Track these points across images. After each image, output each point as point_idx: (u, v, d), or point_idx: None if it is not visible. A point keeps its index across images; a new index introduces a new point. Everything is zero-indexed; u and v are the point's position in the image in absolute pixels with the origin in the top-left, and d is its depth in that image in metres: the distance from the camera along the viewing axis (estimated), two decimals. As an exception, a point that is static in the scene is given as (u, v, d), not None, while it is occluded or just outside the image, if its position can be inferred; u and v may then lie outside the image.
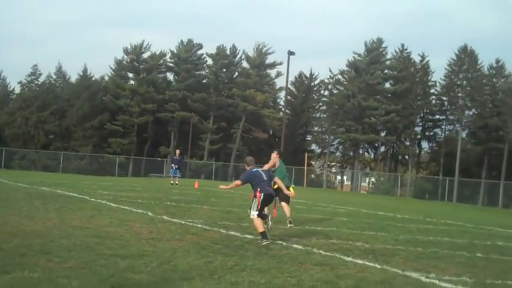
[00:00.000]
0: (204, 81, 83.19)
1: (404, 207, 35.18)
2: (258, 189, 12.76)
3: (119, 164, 66.77)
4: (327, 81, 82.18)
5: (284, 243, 12.52)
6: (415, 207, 36.92)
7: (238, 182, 13.46)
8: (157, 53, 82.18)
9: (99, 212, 16.26)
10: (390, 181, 66.49)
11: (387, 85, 78.28)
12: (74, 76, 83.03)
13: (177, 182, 35.54)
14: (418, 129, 79.15)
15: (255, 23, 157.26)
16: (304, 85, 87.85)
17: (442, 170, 73.54)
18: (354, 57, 78.59)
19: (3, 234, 11.24)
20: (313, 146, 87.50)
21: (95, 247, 10.40)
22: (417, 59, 78.51)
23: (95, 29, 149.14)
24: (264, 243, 12.09)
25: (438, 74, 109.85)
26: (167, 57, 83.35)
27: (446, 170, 72.07)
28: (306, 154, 69.20)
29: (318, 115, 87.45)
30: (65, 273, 8.09)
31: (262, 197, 12.67)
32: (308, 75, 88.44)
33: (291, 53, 56.16)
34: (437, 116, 79.19)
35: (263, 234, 12.34)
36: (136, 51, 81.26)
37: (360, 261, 10.81)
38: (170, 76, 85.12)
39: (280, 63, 78.85)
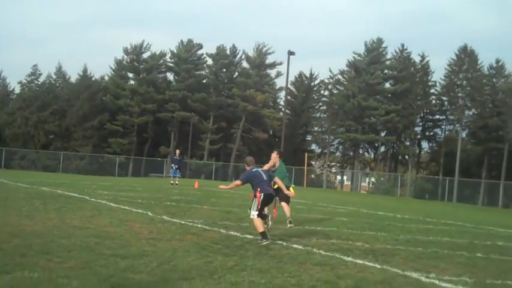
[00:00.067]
0: (204, 81, 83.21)
1: (404, 207, 35.18)
2: (258, 189, 12.76)
3: (119, 164, 66.78)
4: (327, 81, 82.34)
5: (284, 243, 12.52)
6: (415, 207, 36.93)
7: (238, 182, 13.45)
8: (157, 53, 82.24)
9: (99, 212, 16.26)
10: (390, 181, 66.50)
11: (387, 85, 78.31)
12: (74, 76, 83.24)
13: (177, 182, 35.54)
14: (418, 129, 79.25)
15: (255, 23, 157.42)
16: (304, 85, 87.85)
17: (442, 170, 73.56)
18: (354, 57, 78.72)
19: (3, 234, 11.24)
20: (313, 146, 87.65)
21: (95, 247, 10.39)
22: (417, 59, 78.72)
23: (95, 29, 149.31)
24: (264, 243, 12.08)
25: (438, 74, 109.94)
26: (167, 57, 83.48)
27: (446, 170, 72.09)
28: (306, 154, 69.21)
29: (318, 115, 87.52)
30: (65, 273, 8.08)
31: (262, 197, 12.67)
32: (308, 75, 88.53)
33: (291, 53, 56.16)
34: (437, 116, 79.23)
35: (263, 234, 12.34)
36: (136, 51, 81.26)
37: (360, 261, 10.81)
38: (170, 76, 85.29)
39: (280, 63, 78.98)
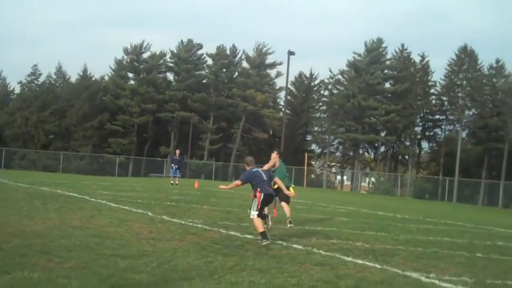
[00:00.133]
0: (204, 81, 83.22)
1: (404, 207, 35.19)
2: (258, 189, 12.77)
3: (119, 164, 66.78)
4: (327, 81, 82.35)
5: (284, 243, 12.52)
6: (415, 207, 36.94)
7: (238, 182, 13.47)
8: (157, 53, 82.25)
9: (99, 212, 16.26)
10: (390, 181, 66.51)
11: (387, 85, 78.31)
12: (74, 76, 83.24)
13: (177, 182, 35.54)
14: (418, 129, 79.24)
15: (255, 23, 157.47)
16: (304, 85, 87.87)
17: (442, 170, 73.57)
18: (354, 57, 78.73)
19: (3, 234, 11.24)
20: (313, 146, 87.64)
21: (95, 247, 10.40)
22: (417, 59, 78.75)
23: (95, 29, 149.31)
24: (264, 243, 12.08)
25: (438, 74, 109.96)
26: (167, 57, 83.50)
27: (446, 170, 72.09)
28: (306, 154, 69.22)
29: (318, 115, 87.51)
30: (65, 273, 8.09)
31: (262, 197, 12.68)
32: (308, 75, 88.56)
33: (291, 53, 56.17)
34: (437, 116, 79.23)
35: (263, 234, 12.34)
36: (136, 51, 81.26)
37: (360, 261, 10.82)
38: (170, 76, 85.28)
39: (280, 63, 79.00)
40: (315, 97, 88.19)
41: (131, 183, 35.64)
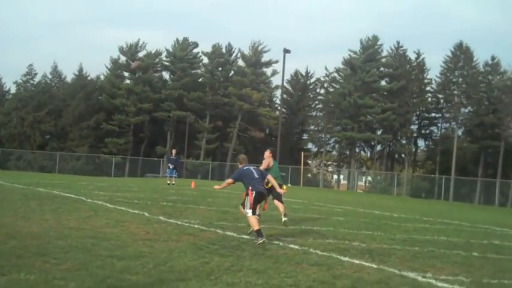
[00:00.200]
0: (200, 80, 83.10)
1: (401, 206, 35.24)
2: (250, 188, 12.82)
3: (115, 164, 66.73)
4: (322, 79, 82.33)
5: (281, 244, 12.52)
6: (411, 206, 36.98)
7: (229, 180, 13.57)
8: (153, 51, 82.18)
9: (95, 213, 16.23)
10: (387, 180, 66.59)
11: (383, 83, 78.30)
12: (69, 76, 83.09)
13: (173, 182, 35.50)
14: (414, 127, 79.25)
15: (250, 21, 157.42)
16: (300, 83, 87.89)
17: (438, 169, 73.62)
18: (349, 54, 78.66)
19: (-1, 235, 11.22)
20: (310, 145, 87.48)
21: (91, 248, 10.38)
22: (413, 56, 78.85)
23: (90, 28, 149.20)
24: (260, 241, 12.08)
25: (434, 71, 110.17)
26: (163, 56, 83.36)
27: (443, 169, 72.10)
28: (303, 153, 69.25)
29: (314, 114, 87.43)
30: (62, 274, 8.08)
31: (254, 195, 12.74)
32: (304, 73, 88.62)
33: (286, 51, 56.19)
34: (433, 114, 79.16)
35: (258, 232, 12.32)
36: (132, 50, 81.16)
37: (357, 261, 10.82)
38: (166, 75, 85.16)
39: (276, 62, 78.95)
40: (311, 95, 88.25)
41: (128, 184, 35.62)
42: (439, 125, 79.21)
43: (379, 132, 77.44)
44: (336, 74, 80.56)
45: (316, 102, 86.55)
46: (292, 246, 12.25)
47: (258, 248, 11.66)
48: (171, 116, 77.23)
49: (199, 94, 77.69)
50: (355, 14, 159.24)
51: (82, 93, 75.36)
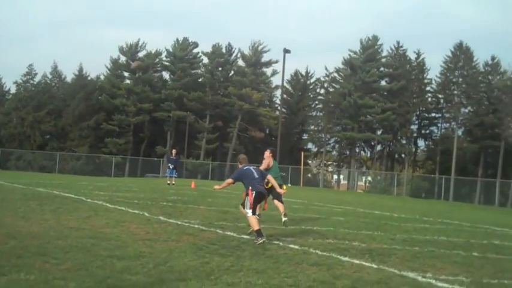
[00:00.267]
0: (200, 80, 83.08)
1: (401, 206, 35.23)
2: (250, 188, 12.84)
3: (115, 164, 66.72)
4: (322, 79, 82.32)
5: (281, 244, 12.51)
6: (411, 206, 36.97)
7: (229, 180, 13.59)
8: (153, 51, 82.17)
9: (95, 213, 16.23)
10: (387, 180, 66.58)
11: (383, 83, 78.27)
12: (69, 76, 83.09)
13: (173, 182, 35.49)
14: (414, 127, 79.23)
15: (250, 21, 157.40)
16: (300, 83, 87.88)
17: (438, 169, 73.60)
18: (349, 54, 78.64)
19: (-1, 236, 11.22)
20: (310, 145, 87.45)
21: (91, 248, 10.38)
22: (413, 56, 78.83)
23: (90, 28, 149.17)
24: (260, 241, 12.08)
25: (434, 71, 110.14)
26: (163, 56, 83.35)
27: (443, 169, 72.06)
28: (303, 153, 69.23)
29: (314, 114, 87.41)
30: (62, 274, 8.07)
31: (253, 195, 12.75)
32: (304, 73, 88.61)
33: (286, 51, 56.18)
34: (433, 114, 79.12)
35: (258, 233, 12.32)
36: (132, 50, 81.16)
37: (357, 261, 10.82)
38: (166, 75, 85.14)
39: (276, 62, 78.93)
40: (311, 95, 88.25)
41: (128, 184, 35.62)
42: (439, 125, 79.21)
43: (379, 132, 77.42)
44: (336, 74, 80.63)
45: (316, 102, 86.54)
46: (292, 246, 12.25)
47: (258, 248, 11.65)
48: (171, 116, 77.21)
49: (199, 94, 77.67)
50: (355, 14, 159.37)
51: (82, 93, 75.35)
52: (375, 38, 77.99)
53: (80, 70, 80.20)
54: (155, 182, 41.35)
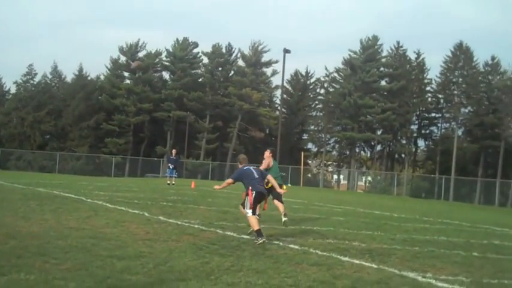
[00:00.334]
0: (200, 80, 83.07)
1: (401, 206, 35.23)
2: (250, 188, 12.85)
3: (115, 164, 66.71)
4: (322, 79, 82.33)
5: (281, 244, 12.51)
6: (411, 206, 36.97)
7: (229, 180, 13.60)
8: (153, 51, 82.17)
9: (95, 213, 16.23)
10: (387, 180, 66.57)
11: (383, 83, 78.26)
12: (69, 76, 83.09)
13: (173, 182, 35.49)
14: (414, 127, 79.22)
15: (250, 21, 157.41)
16: (300, 83, 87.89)
17: (438, 169, 73.59)
18: (349, 54, 78.63)
19: (-1, 236, 11.22)
20: (310, 145, 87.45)
21: (91, 248, 10.38)
22: (413, 56, 78.83)
23: (90, 28, 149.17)
24: (260, 241, 12.09)
25: (434, 71, 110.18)
26: (163, 56, 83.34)
27: (443, 169, 72.06)
28: (303, 153, 69.22)
29: (314, 114, 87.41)
30: (62, 274, 8.07)
31: (253, 195, 12.76)
32: (304, 73, 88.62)
33: (286, 51, 56.18)
34: (433, 114, 79.13)
35: (258, 233, 12.32)
36: (132, 50, 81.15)
37: (357, 261, 10.82)
38: (166, 75, 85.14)
39: (276, 62, 78.92)
40: (311, 95, 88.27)
41: (128, 184, 35.62)
42: (439, 125, 79.21)
43: (379, 132, 77.41)
44: (336, 74, 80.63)
45: (316, 102, 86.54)
46: (292, 246, 12.25)
47: (258, 248, 11.65)
48: (171, 116, 77.21)
49: (199, 94, 77.67)
50: (355, 14, 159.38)
51: (82, 93, 75.35)
52: (375, 38, 78.01)
53: (80, 70, 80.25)
54: (155, 182, 41.35)
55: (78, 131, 74.83)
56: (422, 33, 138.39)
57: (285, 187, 15.65)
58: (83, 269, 8.57)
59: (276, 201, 15.58)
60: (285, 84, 65.73)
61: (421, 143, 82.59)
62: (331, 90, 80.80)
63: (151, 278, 8.30)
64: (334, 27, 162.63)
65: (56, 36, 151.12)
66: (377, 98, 74.39)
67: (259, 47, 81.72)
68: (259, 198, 13.03)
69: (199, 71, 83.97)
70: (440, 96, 76.31)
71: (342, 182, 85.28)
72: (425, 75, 78.25)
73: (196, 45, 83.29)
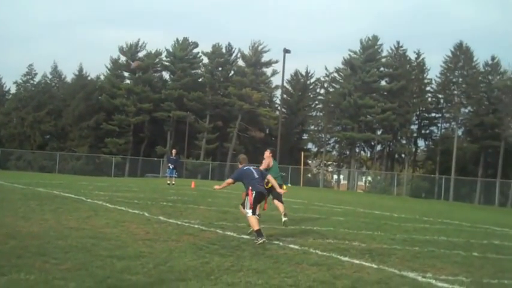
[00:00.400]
0: (200, 80, 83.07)
1: (401, 206, 35.23)
2: (250, 188, 12.88)
3: (115, 164, 66.71)
4: (322, 79, 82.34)
5: (281, 244, 12.51)
6: (411, 206, 36.97)
7: (229, 180, 13.63)
8: (153, 51, 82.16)
9: (95, 213, 16.22)
10: (387, 180, 66.58)
11: (383, 83, 78.28)
12: (69, 76, 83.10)
13: (173, 182, 35.49)
14: (414, 127, 79.23)
15: (250, 21, 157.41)
16: (300, 83, 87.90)
17: (438, 169, 73.59)
18: (349, 54, 78.64)
19: (-1, 236, 11.22)
20: (310, 145, 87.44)
21: (91, 248, 10.38)
22: (413, 56, 78.84)
23: (90, 28, 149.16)
24: (260, 241, 12.11)
25: (434, 71, 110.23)
26: (163, 56, 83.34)
27: (443, 169, 72.06)
28: (303, 153, 69.21)
29: (314, 114, 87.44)
30: (62, 274, 8.07)
31: (253, 195, 12.79)
32: (304, 73, 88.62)
33: (286, 51, 56.19)
34: (433, 114, 79.15)
35: (258, 233, 12.34)
36: (132, 50, 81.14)
37: (357, 261, 10.82)
38: (166, 75, 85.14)
39: (276, 62, 78.93)
40: (311, 95, 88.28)
41: (128, 184, 35.62)
42: (439, 125, 79.22)
43: (379, 132, 77.42)
44: (336, 74, 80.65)
45: (316, 102, 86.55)
46: (292, 246, 12.25)
47: (258, 248, 11.65)
48: (171, 116, 77.21)
49: (199, 94, 77.67)
50: (355, 14, 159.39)
51: (82, 93, 75.35)
52: (375, 38, 78.01)
53: (80, 70, 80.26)
54: (155, 182, 41.35)
55: (78, 131, 74.83)
56: (422, 33, 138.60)
57: (285, 187, 15.70)
58: (83, 269, 8.57)
59: (276, 201, 15.58)
60: (285, 84, 65.76)
61: (421, 143, 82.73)
62: (331, 90, 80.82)
63: (151, 278, 8.30)
64: (334, 27, 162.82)
65: (56, 36, 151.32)
66: (377, 98, 74.39)
67: (259, 47, 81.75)
68: (259, 198, 13.04)
69: (199, 71, 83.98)
70: (440, 96, 76.32)
71: (342, 182, 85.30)
72: (425, 75, 78.31)
73: (196, 45, 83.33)
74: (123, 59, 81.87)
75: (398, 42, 79.63)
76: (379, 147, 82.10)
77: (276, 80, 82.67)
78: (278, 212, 15.51)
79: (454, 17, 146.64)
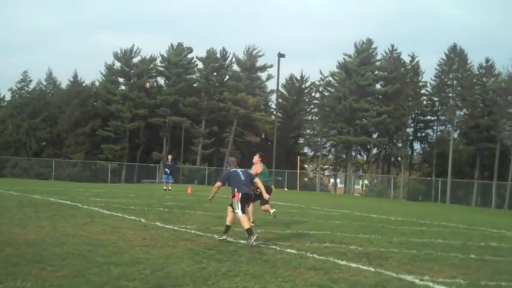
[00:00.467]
0: (195, 85, 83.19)
1: (398, 209, 35.18)
2: (236, 190, 13.19)
3: (111, 171, 66.66)
4: (317, 83, 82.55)
5: (278, 248, 12.49)
6: (408, 209, 36.92)
7: (218, 183, 13.90)
8: (148, 57, 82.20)
9: (91, 220, 16.17)
10: (383, 183, 66.62)
11: (378, 86, 78.48)
12: (64, 82, 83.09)
13: (169, 188, 35.45)
14: (409, 130, 79.38)
15: (244, 26, 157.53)
16: (295, 87, 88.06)
17: (434, 171, 73.72)
18: (344, 58, 78.92)
19: (-5, 243, 11.17)
20: (306, 149, 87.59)
21: (88, 255, 10.33)
22: (407, 59, 79.04)
23: (85, 35, 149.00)
24: (252, 239, 12.39)
25: (429, 74, 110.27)
26: (157, 62, 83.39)
27: (439, 171, 72.24)
28: (299, 157, 69.22)
29: (309, 118, 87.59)
30: (58, 282, 8.03)
31: (240, 195, 13.12)
32: (299, 77, 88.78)
33: (281, 55, 56.27)
34: (428, 117, 79.43)
35: (249, 231, 12.59)
36: (126, 56, 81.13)
37: (354, 265, 10.79)
38: (161, 80, 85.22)
39: (271, 66, 79.26)
40: (306, 99, 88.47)
41: (124, 190, 35.56)
42: (435, 127, 79.52)
43: (375, 136, 77.61)
44: (330, 78, 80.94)
45: (312, 106, 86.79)
46: (289, 250, 12.22)
47: (255, 253, 11.62)
48: (167, 121, 77.23)
49: (195, 99, 77.77)
50: (350, 17, 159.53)
51: (77, 100, 75.36)
52: (369, 42, 78.21)
53: (75, 76, 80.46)
54: (151, 188, 41.28)
55: (74, 138, 74.79)
56: (416, 36, 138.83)
57: (273, 186, 15.90)
58: (80, 276, 8.53)
59: (263, 207, 15.81)
60: (280, 88, 65.99)
61: (417, 145, 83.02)
62: (326, 94, 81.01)
63: (148, 284, 8.26)
64: (328, 31, 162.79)
65: (50, 43, 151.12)
66: (372, 102, 74.56)
67: (254, 51, 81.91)
68: (245, 198, 13.39)
69: (194, 76, 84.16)
70: (435, 98, 76.56)
71: (339, 185, 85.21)
72: (420, 78, 78.54)
73: (190, 50, 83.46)
74: (117, 65, 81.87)
75: (392, 46, 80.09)
76: (375, 151, 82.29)
77: (271, 85, 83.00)
78: (271, 216, 15.68)
79: (448, 20, 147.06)
